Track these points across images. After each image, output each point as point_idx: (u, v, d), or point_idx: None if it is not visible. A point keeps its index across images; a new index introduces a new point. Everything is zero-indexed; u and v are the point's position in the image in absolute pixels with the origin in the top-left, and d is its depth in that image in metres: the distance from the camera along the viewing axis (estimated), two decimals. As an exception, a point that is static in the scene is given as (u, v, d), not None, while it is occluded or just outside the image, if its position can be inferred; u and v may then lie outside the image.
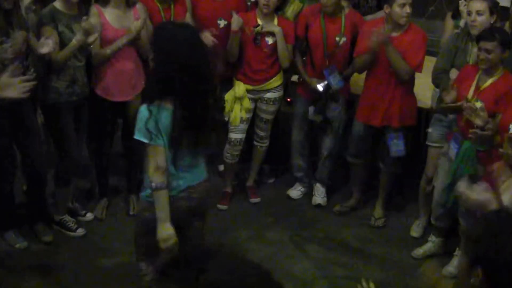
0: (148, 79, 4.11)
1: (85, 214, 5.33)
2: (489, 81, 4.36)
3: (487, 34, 4.34)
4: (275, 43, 5.22)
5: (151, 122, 3.38)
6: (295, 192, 5.79)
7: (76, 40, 4.62)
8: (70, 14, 4.70)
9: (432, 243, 5.06)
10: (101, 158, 5.36)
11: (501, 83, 4.34)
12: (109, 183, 5.54)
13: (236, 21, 5.12)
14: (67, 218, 5.18)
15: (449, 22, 5.43)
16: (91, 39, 4.63)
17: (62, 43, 4.64)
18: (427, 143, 5.10)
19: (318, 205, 5.66)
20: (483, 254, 2.05)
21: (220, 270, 1.55)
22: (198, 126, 3.51)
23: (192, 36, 3.47)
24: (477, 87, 4.41)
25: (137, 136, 3.43)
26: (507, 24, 5.11)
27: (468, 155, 4.44)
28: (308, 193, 5.78)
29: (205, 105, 3.54)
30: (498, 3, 4.69)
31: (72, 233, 5.12)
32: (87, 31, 4.60)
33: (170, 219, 3.41)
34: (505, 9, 5.62)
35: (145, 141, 3.41)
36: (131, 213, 5.38)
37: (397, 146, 5.15)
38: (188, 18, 5.33)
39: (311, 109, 5.38)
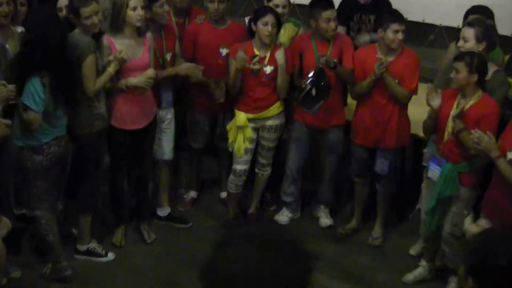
0: (24, 60, 4.52)
1: (106, 253, 5.28)
2: (469, 104, 4.50)
3: (458, 55, 4.56)
4: (273, 72, 5.28)
5: (46, 93, 4.40)
6: (283, 217, 5.85)
7: (113, 69, 4.76)
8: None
9: (422, 268, 5.13)
10: (117, 185, 5.35)
11: (481, 106, 4.49)
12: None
13: (240, 59, 5.15)
14: (92, 245, 5.21)
15: (452, 49, 5.52)
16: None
17: (97, 71, 4.75)
18: (423, 163, 5.25)
19: (328, 227, 5.76)
20: (476, 265, 2.21)
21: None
22: (68, 91, 4.55)
23: (55, 22, 4.57)
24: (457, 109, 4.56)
25: (35, 106, 4.39)
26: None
27: (450, 177, 4.59)
28: (306, 218, 5.88)
29: (72, 74, 4.58)
30: (489, 33, 4.78)
31: (104, 259, 5.19)
32: (123, 61, 4.78)
33: (50, 161, 4.59)
34: (506, 38, 5.69)
35: (40, 110, 4.42)
36: (148, 241, 5.47)
37: (383, 164, 5.32)
38: (177, 46, 5.41)
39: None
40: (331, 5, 5.23)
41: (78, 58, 4.65)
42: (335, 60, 5.18)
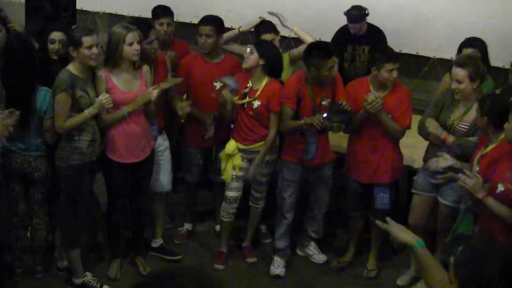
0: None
1: (101, 287, 5.29)
2: (489, 148, 4.45)
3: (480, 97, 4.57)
4: (260, 107, 5.30)
5: None
6: (280, 269, 5.57)
7: (89, 112, 4.79)
8: (83, 78, 4.86)
9: None
10: (113, 218, 5.39)
11: (497, 149, 4.42)
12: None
13: (222, 98, 5.25)
14: (87, 278, 5.25)
15: (446, 79, 5.61)
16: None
17: (80, 108, 4.80)
18: (412, 190, 5.30)
19: (325, 262, 5.75)
20: (470, 278, 2.31)
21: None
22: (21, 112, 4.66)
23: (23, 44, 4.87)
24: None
25: None
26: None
27: (465, 215, 4.55)
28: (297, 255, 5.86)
29: (29, 98, 4.80)
30: (481, 70, 4.81)
31: None
32: (103, 106, 4.80)
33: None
34: (499, 69, 5.74)
35: None
36: (143, 273, 5.48)
37: (383, 199, 5.34)
38: (169, 78, 5.49)
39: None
40: (332, 52, 5.17)
41: (53, 93, 4.80)
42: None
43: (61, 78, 4.76)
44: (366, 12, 6.18)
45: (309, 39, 5.69)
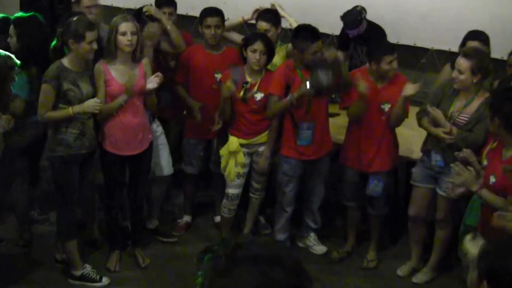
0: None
1: (101, 278, 5.32)
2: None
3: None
4: (263, 99, 5.33)
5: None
6: None
7: (73, 110, 4.81)
8: (77, 71, 4.87)
9: None
10: (111, 210, 5.43)
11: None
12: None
13: (227, 88, 5.22)
14: (87, 270, 5.27)
15: (446, 70, 5.66)
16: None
17: (69, 101, 4.82)
18: (411, 182, 5.34)
19: (324, 253, 5.78)
20: (489, 269, 2.27)
21: (256, 246, 1.74)
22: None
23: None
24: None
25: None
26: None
27: (473, 206, 4.59)
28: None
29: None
30: (484, 65, 4.80)
31: (98, 284, 5.25)
32: (90, 110, 4.84)
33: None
34: (497, 61, 5.77)
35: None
36: (142, 265, 5.52)
37: (376, 187, 5.38)
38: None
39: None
40: (317, 37, 5.19)
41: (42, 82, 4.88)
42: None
43: (49, 69, 4.82)
44: (362, 16, 6.12)
45: None
